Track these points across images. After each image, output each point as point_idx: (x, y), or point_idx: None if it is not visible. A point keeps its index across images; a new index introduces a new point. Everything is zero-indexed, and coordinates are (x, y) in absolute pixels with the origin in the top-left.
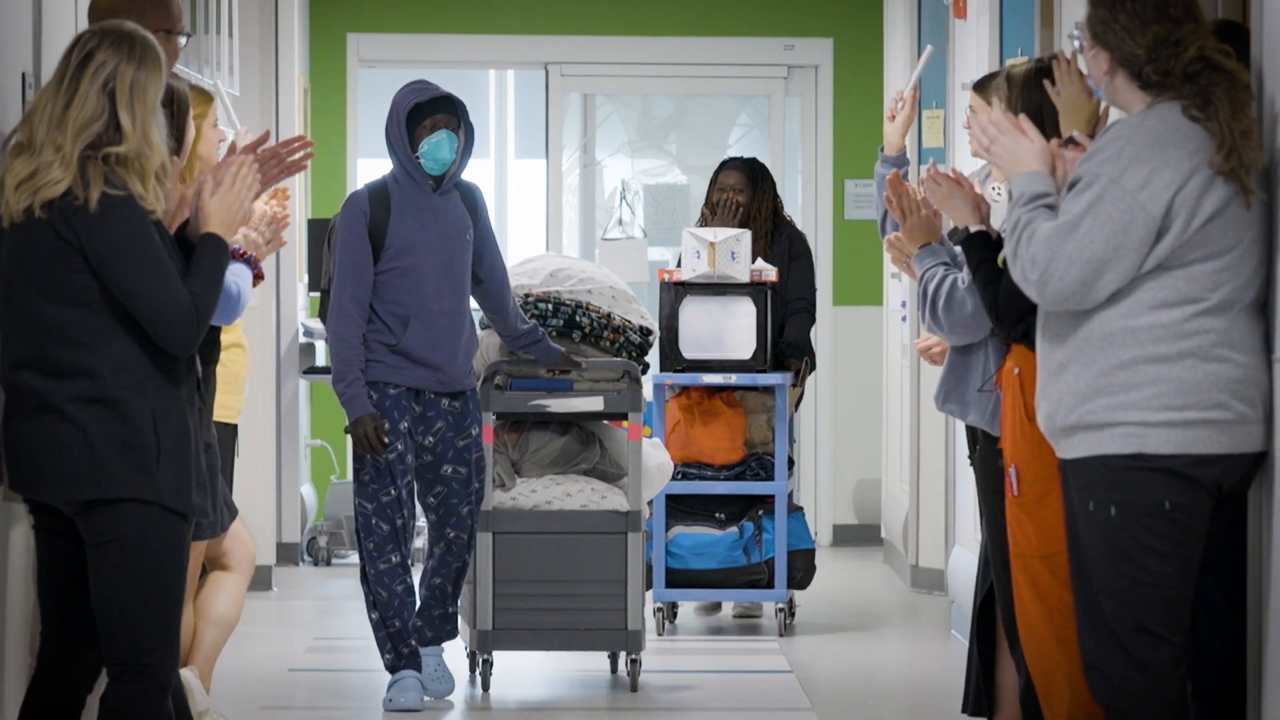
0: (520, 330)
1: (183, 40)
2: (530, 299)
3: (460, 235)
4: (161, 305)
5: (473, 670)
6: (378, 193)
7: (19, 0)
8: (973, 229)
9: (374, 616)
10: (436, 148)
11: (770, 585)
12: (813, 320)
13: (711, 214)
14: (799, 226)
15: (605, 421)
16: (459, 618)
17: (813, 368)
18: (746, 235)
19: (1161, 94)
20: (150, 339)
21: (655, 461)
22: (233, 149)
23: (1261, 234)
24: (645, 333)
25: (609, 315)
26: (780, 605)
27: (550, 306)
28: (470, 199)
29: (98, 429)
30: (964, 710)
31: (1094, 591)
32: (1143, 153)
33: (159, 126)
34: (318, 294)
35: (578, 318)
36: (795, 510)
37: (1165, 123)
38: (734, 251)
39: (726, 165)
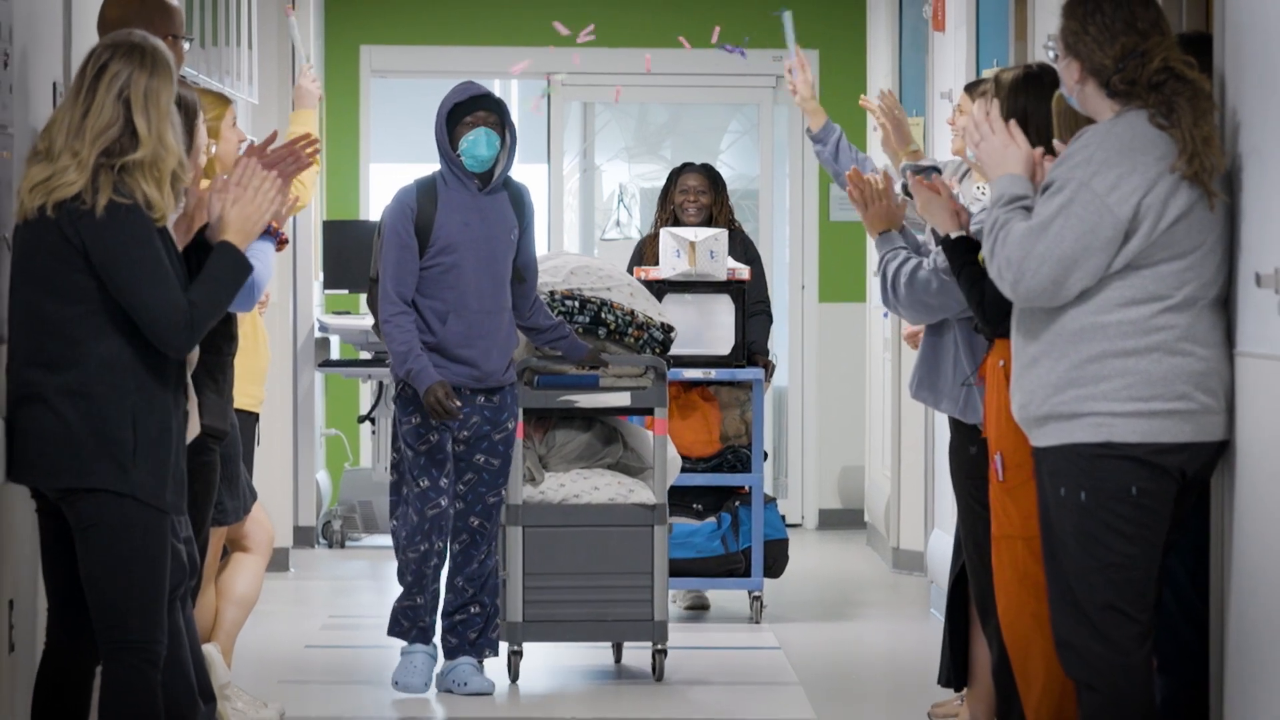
0: (545, 326)
1: (186, 45)
2: (556, 296)
3: (505, 235)
4: (157, 309)
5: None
6: (426, 189)
7: (50, 13)
8: (953, 235)
9: (402, 582)
10: (474, 145)
11: (747, 574)
12: (771, 320)
13: (672, 215)
14: (751, 231)
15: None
16: (495, 632)
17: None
18: (724, 235)
19: (1129, 102)
20: (140, 340)
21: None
22: (250, 150)
23: (1223, 235)
24: (667, 329)
25: (632, 312)
26: (756, 593)
27: (576, 304)
28: (519, 199)
29: (78, 421)
30: (939, 682)
31: (1065, 572)
32: (1111, 158)
33: (173, 128)
34: (335, 291)
35: (603, 315)
36: (768, 501)
37: (1133, 130)
38: (713, 251)
39: (686, 168)
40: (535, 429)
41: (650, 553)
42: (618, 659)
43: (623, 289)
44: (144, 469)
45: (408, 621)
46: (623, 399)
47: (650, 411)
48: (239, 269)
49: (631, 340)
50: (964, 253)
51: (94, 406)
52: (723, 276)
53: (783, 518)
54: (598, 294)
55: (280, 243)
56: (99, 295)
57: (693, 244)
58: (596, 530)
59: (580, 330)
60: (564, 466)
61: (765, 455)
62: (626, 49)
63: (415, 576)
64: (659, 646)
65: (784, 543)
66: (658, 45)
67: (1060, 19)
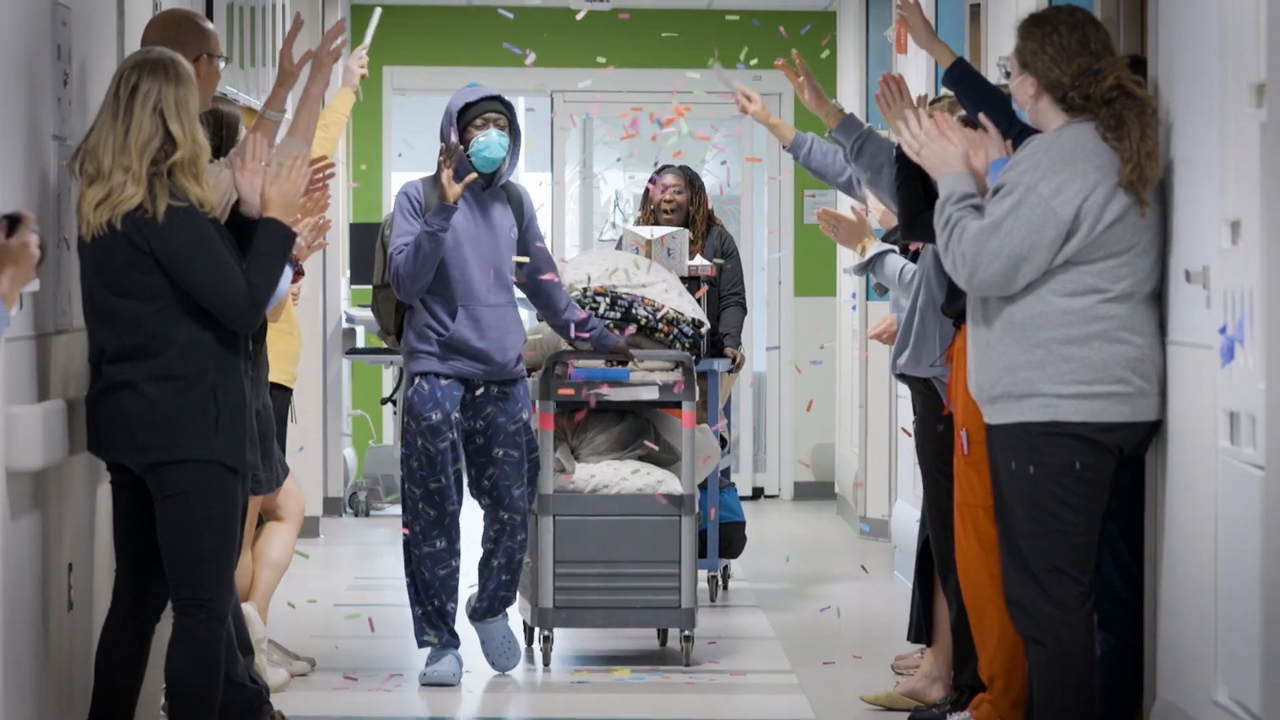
0: (575, 321)
1: (221, 64)
2: (589, 293)
3: (504, 234)
4: (224, 295)
5: (529, 644)
6: (431, 185)
7: (104, 34)
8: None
9: (411, 593)
10: (487, 146)
11: (704, 556)
12: (744, 311)
13: (653, 215)
14: (734, 233)
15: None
16: (517, 593)
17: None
18: (683, 233)
19: (1081, 115)
20: (211, 323)
21: (708, 446)
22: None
23: (1156, 238)
24: (697, 325)
25: (662, 308)
26: (713, 573)
27: (608, 300)
28: (517, 201)
29: (165, 402)
30: (908, 638)
31: (1015, 537)
32: (1056, 165)
33: (204, 127)
34: (360, 286)
35: (634, 310)
36: (728, 486)
37: (1077, 140)
38: (670, 248)
39: (664, 169)
40: (567, 421)
41: (679, 542)
42: (663, 642)
43: (656, 285)
44: (226, 436)
45: (432, 630)
46: (651, 392)
47: (678, 405)
48: (286, 240)
49: (662, 335)
50: (909, 165)
51: (180, 387)
52: (682, 273)
53: (761, 489)
54: (631, 290)
55: (297, 274)
56: (171, 290)
57: (649, 241)
58: (626, 519)
59: (611, 325)
60: (595, 457)
61: (724, 441)
62: (621, 69)
63: (430, 578)
64: (687, 633)
65: (741, 525)
66: (648, 66)
67: (1016, 39)
